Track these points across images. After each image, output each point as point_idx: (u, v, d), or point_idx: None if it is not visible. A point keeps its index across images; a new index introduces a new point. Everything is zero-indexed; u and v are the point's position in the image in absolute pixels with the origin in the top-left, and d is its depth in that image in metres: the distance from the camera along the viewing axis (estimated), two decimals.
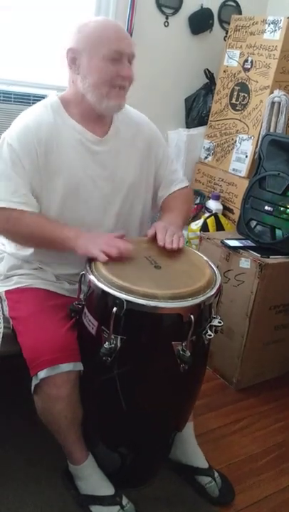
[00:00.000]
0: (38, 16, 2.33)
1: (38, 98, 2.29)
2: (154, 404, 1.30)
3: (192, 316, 1.15)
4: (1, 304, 1.43)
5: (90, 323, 1.25)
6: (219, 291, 1.26)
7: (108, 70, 1.28)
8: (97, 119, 1.39)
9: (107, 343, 1.16)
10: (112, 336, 1.16)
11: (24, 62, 2.38)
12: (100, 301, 1.21)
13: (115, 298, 1.13)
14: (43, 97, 2.34)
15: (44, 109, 1.37)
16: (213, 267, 1.34)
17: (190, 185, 2.74)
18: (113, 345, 1.16)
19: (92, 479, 1.40)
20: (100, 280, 1.18)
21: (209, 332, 1.26)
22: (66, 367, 1.24)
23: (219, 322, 1.28)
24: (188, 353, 1.17)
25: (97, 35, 1.28)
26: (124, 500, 1.38)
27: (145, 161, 1.49)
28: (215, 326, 1.27)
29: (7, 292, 1.45)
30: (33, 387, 1.27)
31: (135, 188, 1.48)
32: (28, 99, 2.36)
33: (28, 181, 1.33)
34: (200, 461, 1.54)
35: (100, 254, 1.24)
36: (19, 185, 1.32)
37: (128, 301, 1.12)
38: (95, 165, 1.39)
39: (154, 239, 1.36)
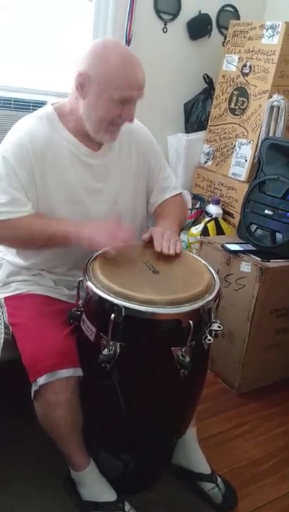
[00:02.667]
0: (37, 23, 2.35)
1: (38, 104, 2.33)
2: (154, 410, 1.30)
3: (191, 322, 1.15)
4: (1, 311, 1.43)
5: (89, 329, 1.25)
6: (218, 295, 1.25)
7: (113, 111, 1.28)
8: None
9: (106, 349, 1.15)
10: (111, 343, 1.15)
11: (24, 69, 2.40)
12: (98, 308, 1.20)
13: (113, 304, 1.13)
14: (42, 103, 2.38)
15: (39, 121, 1.36)
16: (212, 271, 1.33)
17: (190, 190, 2.80)
18: (112, 352, 1.15)
19: (94, 485, 1.39)
20: (98, 286, 1.18)
21: (209, 337, 1.25)
22: (65, 373, 1.23)
23: (219, 326, 1.27)
24: (187, 359, 1.17)
25: (113, 75, 1.24)
26: (127, 506, 1.38)
27: (140, 169, 1.49)
28: (215, 330, 1.26)
29: (6, 298, 1.46)
30: (32, 394, 1.27)
31: (130, 198, 1.48)
32: (27, 106, 2.36)
33: (24, 193, 1.32)
34: (202, 466, 1.54)
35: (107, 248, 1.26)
36: (14, 196, 1.31)
37: (126, 308, 1.12)
38: (90, 178, 1.39)
39: (150, 244, 1.36)
